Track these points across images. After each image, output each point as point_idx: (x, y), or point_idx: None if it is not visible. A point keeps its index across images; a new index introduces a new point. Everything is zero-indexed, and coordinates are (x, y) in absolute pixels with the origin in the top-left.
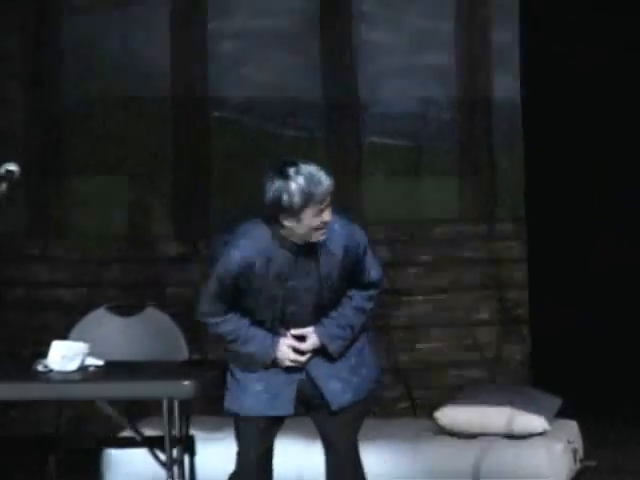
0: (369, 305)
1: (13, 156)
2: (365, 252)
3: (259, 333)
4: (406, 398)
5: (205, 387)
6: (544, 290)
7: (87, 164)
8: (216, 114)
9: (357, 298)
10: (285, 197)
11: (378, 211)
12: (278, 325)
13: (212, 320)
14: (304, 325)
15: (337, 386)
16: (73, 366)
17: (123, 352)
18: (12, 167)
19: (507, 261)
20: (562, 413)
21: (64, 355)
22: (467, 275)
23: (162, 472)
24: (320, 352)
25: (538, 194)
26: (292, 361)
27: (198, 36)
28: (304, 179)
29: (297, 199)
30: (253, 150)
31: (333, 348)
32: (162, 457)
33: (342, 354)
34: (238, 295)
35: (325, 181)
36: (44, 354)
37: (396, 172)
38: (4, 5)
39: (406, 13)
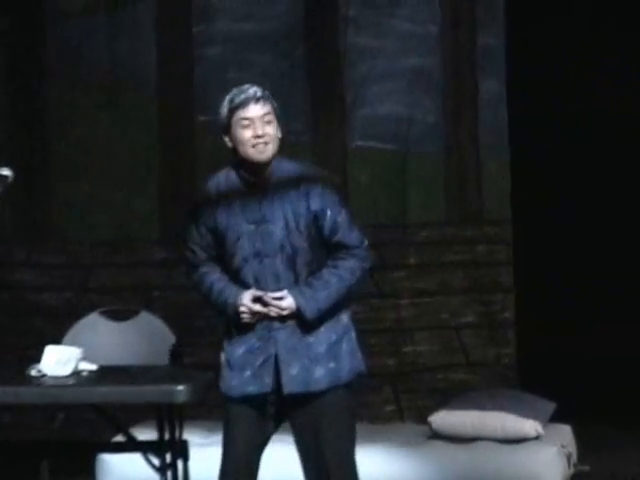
0: (351, 277)
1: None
2: (334, 206)
3: (230, 285)
4: (392, 401)
5: (198, 392)
6: (530, 293)
7: (73, 168)
8: (201, 118)
9: (338, 266)
10: (219, 110)
11: (364, 214)
12: (256, 283)
13: (195, 275)
14: (280, 285)
15: (295, 371)
16: (67, 371)
17: (117, 357)
18: (6, 172)
19: (493, 264)
20: (556, 417)
21: (58, 360)
22: (453, 278)
23: (156, 477)
24: (296, 323)
25: (524, 197)
26: (245, 306)
27: (183, 40)
28: (235, 90)
29: (224, 108)
30: None
31: (307, 310)
32: (156, 462)
33: (312, 334)
34: (213, 241)
35: (249, 90)
36: (30, 358)
37: (382, 175)
38: None
39: (392, 17)
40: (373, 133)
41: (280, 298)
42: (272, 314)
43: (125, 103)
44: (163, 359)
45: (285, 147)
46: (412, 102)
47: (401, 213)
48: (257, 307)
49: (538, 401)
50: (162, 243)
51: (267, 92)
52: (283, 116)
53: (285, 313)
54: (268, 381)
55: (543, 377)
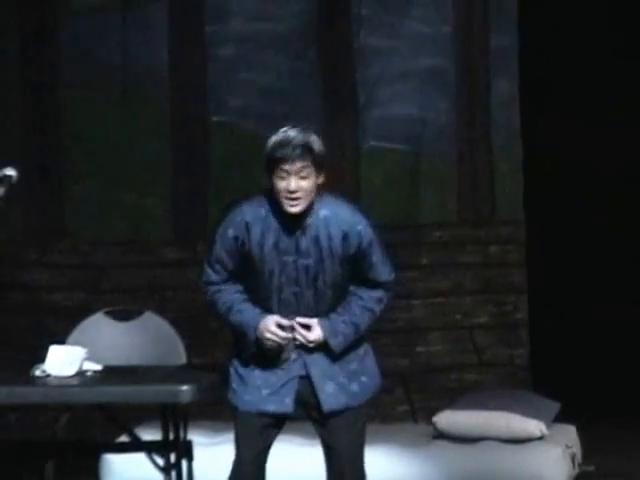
0: (378, 307)
1: (11, 160)
2: (371, 247)
3: (251, 307)
4: (405, 402)
5: (203, 392)
6: (543, 294)
7: (86, 168)
8: (215, 118)
9: (365, 298)
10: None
11: (376, 214)
12: (282, 310)
13: (212, 288)
14: (308, 314)
15: (332, 389)
16: (71, 371)
17: (121, 357)
18: (10, 172)
19: (506, 265)
20: (560, 418)
21: (62, 360)
22: (466, 279)
23: (160, 477)
24: (322, 350)
25: (536, 197)
26: (272, 333)
27: (196, 40)
28: (280, 134)
29: (267, 148)
30: (252, 154)
31: (334, 343)
32: (160, 462)
33: (343, 353)
34: (240, 264)
35: (293, 142)
36: (42, 359)
37: (394, 176)
38: (3, 8)
39: (404, 17)
40: (386, 133)
41: (308, 326)
42: (297, 341)
43: (138, 103)
44: (168, 359)
45: None
46: (425, 103)
47: (413, 213)
48: (283, 334)
49: (542, 401)
50: (175, 243)
51: (313, 138)
52: (326, 157)
53: (311, 345)
54: (289, 402)
55: (556, 378)
